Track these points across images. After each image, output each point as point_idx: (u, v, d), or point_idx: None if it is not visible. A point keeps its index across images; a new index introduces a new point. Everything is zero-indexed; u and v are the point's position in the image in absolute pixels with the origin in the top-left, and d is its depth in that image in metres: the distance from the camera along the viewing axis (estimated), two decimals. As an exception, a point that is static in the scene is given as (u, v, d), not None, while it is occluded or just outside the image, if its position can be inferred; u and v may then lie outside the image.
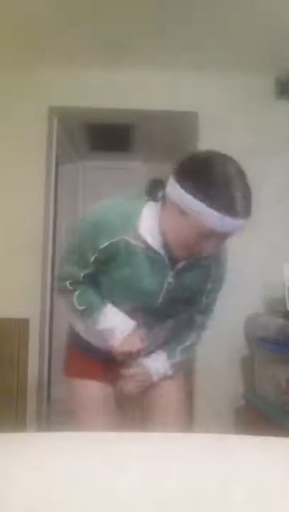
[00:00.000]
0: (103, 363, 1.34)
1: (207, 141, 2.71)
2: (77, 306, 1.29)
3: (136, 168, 3.77)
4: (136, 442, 0.83)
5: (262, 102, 2.73)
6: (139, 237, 1.19)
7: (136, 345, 1.27)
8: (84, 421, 1.36)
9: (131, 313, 1.31)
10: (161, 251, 1.20)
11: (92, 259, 1.23)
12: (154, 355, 1.36)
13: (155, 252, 1.20)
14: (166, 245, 1.20)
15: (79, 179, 3.86)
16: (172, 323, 1.40)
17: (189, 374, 2.66)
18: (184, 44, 2.41)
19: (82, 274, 1.27)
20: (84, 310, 1.29)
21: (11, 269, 2.58)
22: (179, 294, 1.29)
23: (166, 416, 1.38)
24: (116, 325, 1.27)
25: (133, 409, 1.46)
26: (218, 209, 1.03)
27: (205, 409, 2.58)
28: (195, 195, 1.04)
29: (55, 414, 2.85)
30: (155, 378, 1.34)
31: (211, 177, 1.06)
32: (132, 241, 1.19)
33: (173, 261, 1.23)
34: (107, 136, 3.45)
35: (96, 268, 1.26)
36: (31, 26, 2.26)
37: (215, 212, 1.03)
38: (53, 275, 2.94)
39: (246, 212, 1.08)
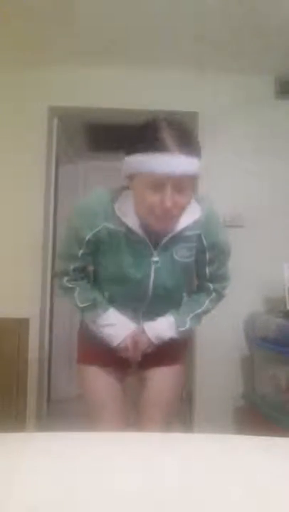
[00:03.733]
0: (111, 350, 1.36)
1: (207, 141, 2.72)
2: (78, 304, 1.33)
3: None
4: (136, 442, 0.83)
5: (262, 102, 2.73)
6: (117, 220, 1.23)
7: (136, 345, 1.32)
8: (95, 408, 1.38)
9: (132, 312, 1.33)
10: (140, 231, 1.23)
11: (80, 252, 1.29)
12: (160, 319, 1.34)
13: (134, 232, 1.23)
14: (143, 225, 1.22)
15: (79, 179, 3.85)
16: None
17: (189, 372, 2.66)
18: (184, 44, 2.41)
19: (72, 268, 1.32)
20: (86, 306, 1.33)
21: (11, 269, 2.57)
22: (170, 274, 1.29)
23: (151, 414, 1.38)
24: (118, 323, 1.31)
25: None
26: (145, 151, 1.08)
27: (205, 409, 2.58)
28: (128, 154, 1.13)
29: (55, 414, 2.86)
30: (156, 342, 1.33)
31: (141, 135, 1.13)
32: (112, 226, 1.24)
33: (155, 240, 1.25)
34: (107, 136, 3.44)
35: (85, 261, 1.32)
36: (31, 26, 2.26)
37: (144, 156, 1.08)
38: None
39: (179, 147, 1.08)
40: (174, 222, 1.21)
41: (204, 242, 1.30)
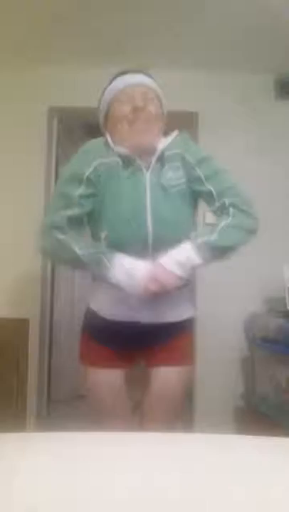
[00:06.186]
0: (116, 349, 1.34)
1: (207, 141, 2.71)
2: (79, 252, 1.22)
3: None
4: (136, 442, 0.83)
5: (262, 102, 2.73)
6: (111, 152, 1.30)
7: (158, 283, 1.20)
8: (100, 408, 1.38)
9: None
10: (130, 153, 1.30)
11: (78, 193, 1.26)
12: (178, 248, 1.22)
13: (126, 156, 1.29)
14: (132, 151, 1.30)
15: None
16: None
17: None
18: (184, 44, 2.41)
19: (67, 216, 1.25)
20: (90, 256, 1.23)
21: (11, 269, 2.58)
22: (166, 205, 1.27)
23: (159, 415, 1.37)
24: (129, 267, 1.20)
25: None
26: (111, 79, 1.40)
27: (205, 410, 2.58)
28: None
29: (55, 414, 2.86)
30: (179, 272, 1.20)
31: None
32: (108, 160, 1.30)
33: (145, 162, 1.30)
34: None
35: (82, 207, 1.27)
36: (31, 26, 2.26)
37: (110, 85, 1.38)
38: (53, 276, 2.95)
39: (134, 71, 1.37)
40: (152, 133, 1.30)
41: (190, 159, 1.31)
